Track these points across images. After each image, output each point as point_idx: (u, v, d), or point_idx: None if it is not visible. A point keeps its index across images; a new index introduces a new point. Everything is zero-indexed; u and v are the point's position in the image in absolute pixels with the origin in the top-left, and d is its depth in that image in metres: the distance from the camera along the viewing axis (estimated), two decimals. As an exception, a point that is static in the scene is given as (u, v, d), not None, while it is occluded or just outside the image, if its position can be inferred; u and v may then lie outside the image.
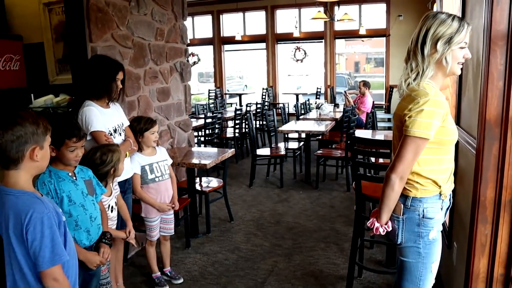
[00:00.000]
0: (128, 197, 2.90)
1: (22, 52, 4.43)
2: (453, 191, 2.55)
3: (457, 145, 2.51)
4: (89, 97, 2.66)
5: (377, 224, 1.78)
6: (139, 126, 2.93)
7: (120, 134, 2.78)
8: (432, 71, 1.71)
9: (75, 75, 3.24)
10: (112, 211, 2.50)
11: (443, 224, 2.84)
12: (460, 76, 2.50)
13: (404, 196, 1.77)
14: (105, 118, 2.65)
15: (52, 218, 1.50)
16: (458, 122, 2.53)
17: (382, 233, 1.80)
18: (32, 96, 4.30)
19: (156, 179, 3.01)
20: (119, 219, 2.63)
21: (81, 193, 2.09)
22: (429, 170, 1.73)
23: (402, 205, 1.77)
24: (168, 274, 3.22)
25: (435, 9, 3.74)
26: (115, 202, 2.56)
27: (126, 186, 2.87)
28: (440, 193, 1.76)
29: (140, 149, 2.98)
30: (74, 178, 2.10)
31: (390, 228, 1.80)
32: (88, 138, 2.56)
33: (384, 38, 10.27)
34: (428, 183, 1.74)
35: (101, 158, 2.39)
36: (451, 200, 1.90)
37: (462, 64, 1.74)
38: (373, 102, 7.38)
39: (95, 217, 2.14)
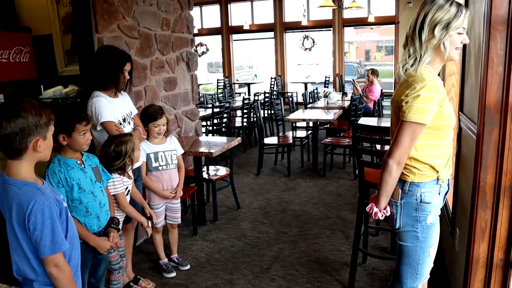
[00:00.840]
0: (139, 184, 2.97)
1: (31, 44, 4.49)
2: (456, 177, 2.57)
3: (459, 131, 2.52)
4: (97, 88, 2.71)
5: (375, 209, 1.81)
6: (144, 116, 2.99)
7: (129, 123, 2.83)
8: (430, 57, 1.72)
9: (82, 66, 3.29)
10: (128, 194, 2.60)
11: (446, 211, 2.85)
12: (463, 63, 2.49)
13: (402, 181, 1.79)
14: (114, 108, 2.70)
15: (53, 208, 1.54)
16: (461, 108, 2.52)
17: (381, 218, 1.83)
18: (41, 87, 4.37)
19: (160, 168, 3.05)
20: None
21: (90, 180, 2.15)
22: (427, 155, 1.75)
23: (400, 190, 1.80)
24: (175, 260, 3.29)
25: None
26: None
27: (137, 174, 2.94)
28: (437, 178, 1.78)
29: (148, 137, 3.03)
30: (83, 166, 2.15)
31: (389, 213, 1.82)
32: (99, 128, 2.62)
33: (394, 25, 10.15)
34: (426, 168, 1.76)
35: (115, 151, 2.45)
36: (449, 185, 1.91)
37: (460, 49, 1.75)
38: (382, 90, 7.34)
39: (104, 203, 2.21)
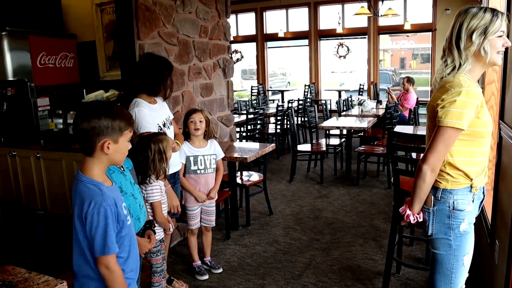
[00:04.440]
0: (177, 187, 3.04)
1: (76, 50, 4.70)
2: (495, 188, 2.50)
3: (500, 140, 2.46)
4: (139, 93, 2.79)
5: (408, 212, 1.80)
6: (184, 116, 3.08)
7: (168, 127, 2.91)
8: (470, 65, 1.71)
9: (124, 71, 3.42)
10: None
11: (485, 222, 2.77)
12: (504, 71, 2.43)
13: (434, 188, 1.77)
14: (154, 114, 2.78)
15: (109, 210, 1.59)
16: (501, 117, 2.46)
17: (413, 222, 1.81)
18: (84, 91, 4.56)
19: (198, 171, 3.12)
20: None
21: (130, 183, 2.20)
22: (462, 161, 1.72)
23: (432, 196, 1.78)
24: (208, 263, 3.34)
25: (483, 1, 3.62)
26: None
27: (176, 178, 3.02)
28: (471, 185, 1.75)
29: (189, 139, 3.10)
30: (122, 169, 2.22)
31: (421, 219, 1.81)
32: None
33: (430, 33, 9.96)
34: (459, 175, 1.74)
35: (143, 155, 2.48)
36: (485, 194, 1.87)
37: (502, 53, 1.72)
38: (417, 98, 7.21)
39: (142, 205, 2.27)
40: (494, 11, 1.67)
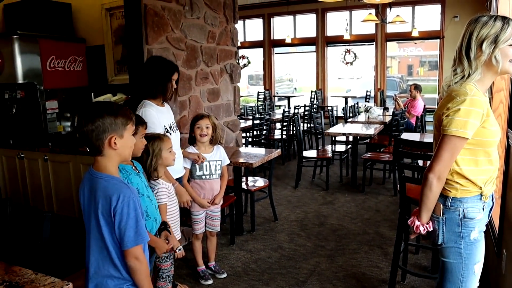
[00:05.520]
0: None
1: (85, 54, 4.75)
2: (503, 196, 2.49)
3: (508, 149, 2.44)
4: (146, 97, 2.82)
5: (417, 223, 1.79)
6: (191, 122, 3.09)
7: (174, 131, 2.93)
8: (480, 75, 1.70)
9: (132, 75, 3.45)
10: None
11: (492, 231, 2.75)
12: (513, 79, 2.42)
13: (443, 197, 1.77)
14: (162, 116, 2.80)
15: (137, 201, 1.65)
16: (510, 125, 2.45)
17: (423, 232, 1.80)
18: (92, 94, 4.60)
19: (203, 177, 3.12)
20: None
21: (144, 185, 2.22)
22: (469, 170, 1.72)
23: (442, 205, 1.77)
24: (213, 268, 3.33)
25: (493, 8, 3.61)
26: None
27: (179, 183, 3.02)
28: (481, 194, 1.74)
29: (194, 144, 3.10)
30: (137, 171, 2.23)
31: (431, 228, 1.79)
32: None
33: (438, 40, 9.95)
34: (468, 184, 1.73)
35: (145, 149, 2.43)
36: (494, 201, 1.86)
37: None
38: (424, 106, 7.19)
39: (157, 206, 2.29)
40: (505, 19, 1.66)
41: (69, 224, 3.94)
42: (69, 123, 4.63)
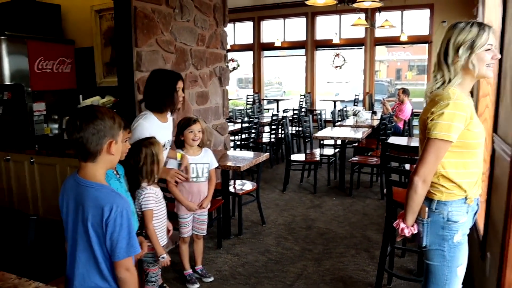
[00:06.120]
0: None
1: (74, 55, 4.72)
2: (488, 200, 2.53)
3: (493, 153, 2.48)
4: (152, 110, 2.77)
5: (402, 225, 1.82)
6: (180, 126, 3.06)
7: (166, 148, 2.87)
8: (460, 79, 1.75)
9: (120, 78, 3.43)
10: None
11: (477, 234, 2.79)
12: (498, 84, 2.47)
13: (429, 200, 1.80)
14: (159, 132, 2.71)
15: (130, 211, 1.57)
16: (495, 130, 2.49)
17: (408, 235, 1.83)
18: (80, 97, 4.57)
19: (190, 180, 3.09)
20: None
21: (124, 190, 2.20)
22: (455, 173, 1.75)
23: (427, 208, 1.80)
24: (199, 272, 3.32)
25: (479, 14, 3.67)
26: None
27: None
28: (466, 197, 1.77)
29: (182, 147, 3.08)
30: (118, 176, 2.21)
31: (416, 231, 1.82)
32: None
33: (426, 44, 10.07)
34: (454, 187, 1.76)
35: (135, 159, 2.43)
36: (479, 205, 1.89)
37: (492, 66, 1.76)
38: (412, 110, 7.27)
39: (135, 211, 2.27)
40: (481, 25, 1.72)
41: (55, 228, 3.88)
42: (56, 125, 4.58)
